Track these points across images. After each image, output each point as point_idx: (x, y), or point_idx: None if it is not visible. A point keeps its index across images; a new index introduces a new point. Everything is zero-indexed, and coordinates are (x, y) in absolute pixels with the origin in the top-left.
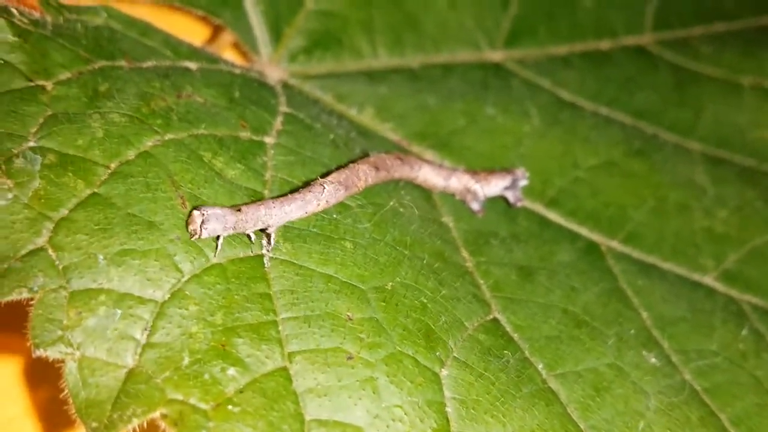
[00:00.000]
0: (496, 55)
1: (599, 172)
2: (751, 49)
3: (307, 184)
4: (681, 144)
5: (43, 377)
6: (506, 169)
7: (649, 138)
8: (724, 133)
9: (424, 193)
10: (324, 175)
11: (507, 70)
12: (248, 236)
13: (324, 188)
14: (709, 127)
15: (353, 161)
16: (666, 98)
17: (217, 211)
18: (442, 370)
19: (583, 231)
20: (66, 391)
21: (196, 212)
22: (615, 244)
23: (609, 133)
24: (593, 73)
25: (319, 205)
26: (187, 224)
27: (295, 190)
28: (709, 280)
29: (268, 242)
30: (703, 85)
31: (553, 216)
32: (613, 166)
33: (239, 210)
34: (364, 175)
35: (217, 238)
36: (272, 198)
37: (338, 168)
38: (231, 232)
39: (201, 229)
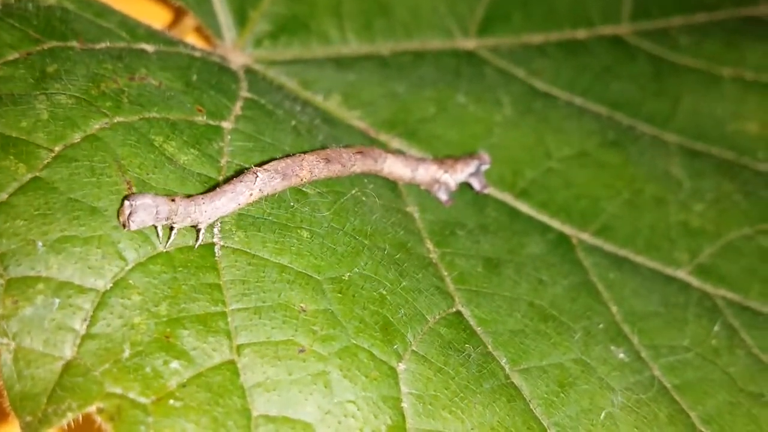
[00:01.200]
0: (469, 43)
1: (572, 163)
2: (732, 40)
3: (239, 173)
4: (658, 136)
5: None
6: (470, 155)
7: (624, 129)
8: (702, 125)
9: (389, 182)
10: (262, 163)
11: (480, 58)
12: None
13: (257, 176)
14: (686, 118)
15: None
16: (643, 89)
17: (148, 201)
18: (400, 364)
19: (555, 223)
20: (0, 383)
21: (126, 202)
22: (586, 237)
23: (583, 124)
24: (569, 63)
25: (252, 195)
26: (117, 214)
27: (228, 179)
28: (683, 274)
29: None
30: (681, 76)
31: (523, 207)
32: (586, 157)
33: (173, 201)
34: (309, 166)
35: (157, 227)
36: (202, 193)
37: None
38: (163, 224)
39: (129, 221)
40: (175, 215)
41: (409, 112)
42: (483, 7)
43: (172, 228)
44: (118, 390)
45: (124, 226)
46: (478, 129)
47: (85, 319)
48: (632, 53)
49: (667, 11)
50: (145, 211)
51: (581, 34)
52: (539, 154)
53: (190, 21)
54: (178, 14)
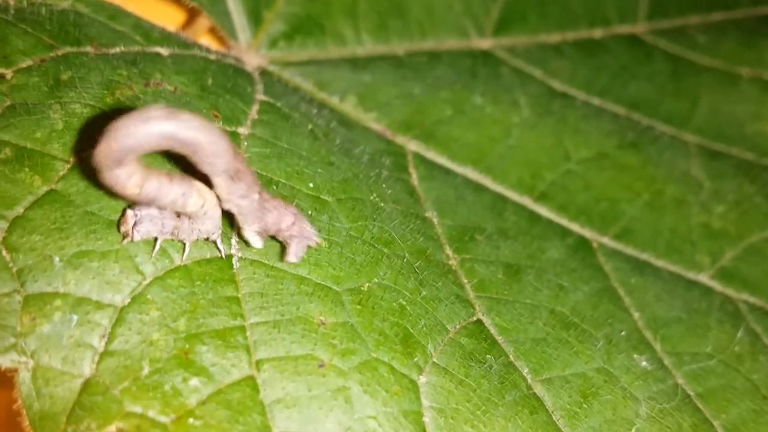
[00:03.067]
0: (485, 43)
1: (591, 165)
2: (750, 39)
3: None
4: (677, 136)
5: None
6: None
7: (643, 130)
8: (722, 125)
9: (407, 186)
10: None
11: (496, 59)
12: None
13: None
14: (705, 118)
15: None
16: (661, 89)
17: (153, 212)
18: (420, 377)
19: (574, 227)
20: (19, 401)
21: (129, 212)
22: (607, 240)
23: (601, 125)
24: (586, 63)
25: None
26: (118, 224)
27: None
28: (704, 278)
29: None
30: (699, 76)
31: (542, 211)
32: (605, 159)
33: (179, 216)
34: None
35: (157, 240)
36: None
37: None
38: (168, 237)
39: (133, 232)
40: (179, 230)
41: (426, 114)
42: (499, 7)
43: (155, 239)
44: (137, 409)
45: (125, 236)
46: (496, 131)
47: (104, 336)
48: (649, 52)
49: (684, 10)
50: (151, 222)
51: (598, 33)
52: (558, 155)
53: (204, 22)
54: (192, 15)
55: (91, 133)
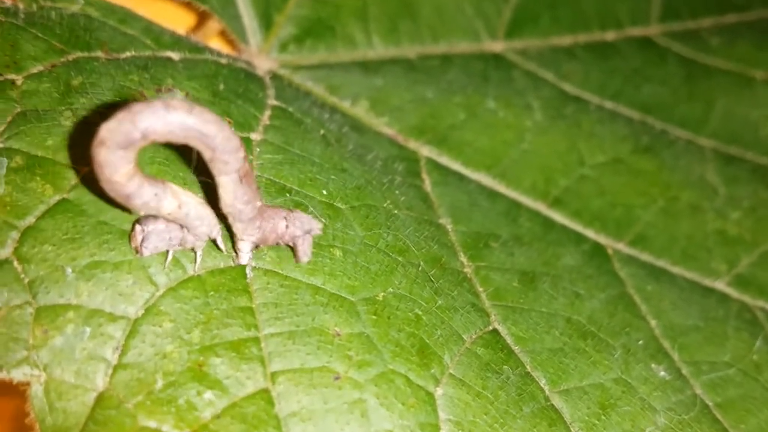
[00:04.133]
0: (497, 46)
1: (605, 170)
2: (763, 42)
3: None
4: (692, 140)
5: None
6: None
7: (657, 134)
8: (736, 129)
9: (421, 192)
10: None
11: (508, 62)
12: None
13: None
14: (720, 122)
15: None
16: (675, 92)
17: (160, 226)
18: (437, 388)
19: (589, 233)
20: (31, 416)
21: (137, 227)
22: (621, 247)
23: (615, 129)
24: (598, 65)
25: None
26: (129, 240)
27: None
28: (721, 285)
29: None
30: (713, 79)
31: (557, 216)
32: (620, 164)
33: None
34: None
35: (168, 253)
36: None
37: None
38: (177, 248)
39: (142, 247)
40: (186, 240)
41: (439, 118)
42: (510, 9)
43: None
44: (152, 424)
45: (136, 251)
46: (509, 135)
47: (117, 348)
48: (663, 55)
49: (697, 12)
50: (158, 236)
51: (610, 35)
52: (572, 160)
53: (214, 25)
54: (202, 18)
55: None
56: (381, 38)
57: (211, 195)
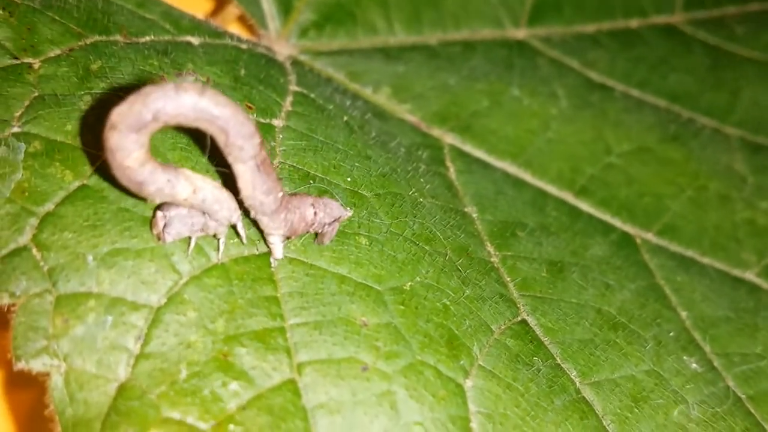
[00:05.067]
0: (520, 33)
1: (633, 159)
2: None
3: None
4: (718, 129)
5: (24, 385)
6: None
7: (684, 122)
8: (763, 117)
9: (445, 180)
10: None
11: (532, 49)
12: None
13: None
14: (746, 111)
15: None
16: (701, 80)
17: (182, 212)
18: (467, 380)
19: (616, 222)
20: (51, 406)
21: (158, 213)
22: (650, 237)
23: (642, 117)
24: (623, 53)
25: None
26: (150, 227)
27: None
28: (751, 275)
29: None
30: (739, 67)
31: (583, 206)
32: (647, 153)
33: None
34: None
35: (191, 239)
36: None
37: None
38: (200, 234)
39: (164, 234)
40: (208, 226)
41: (462, 106)
42: None
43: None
44: (175, 415)
45: (157, 238)
46: (534, 123)
47: (139, 338)
48: (688, 43)
49: (720, 0)
50: (181, 222)
51: (634, 23)
52: (598, 149)
53: (232, 10)
54: (221, 3)
55: None
56: (402, 24)
57: (230, 188)
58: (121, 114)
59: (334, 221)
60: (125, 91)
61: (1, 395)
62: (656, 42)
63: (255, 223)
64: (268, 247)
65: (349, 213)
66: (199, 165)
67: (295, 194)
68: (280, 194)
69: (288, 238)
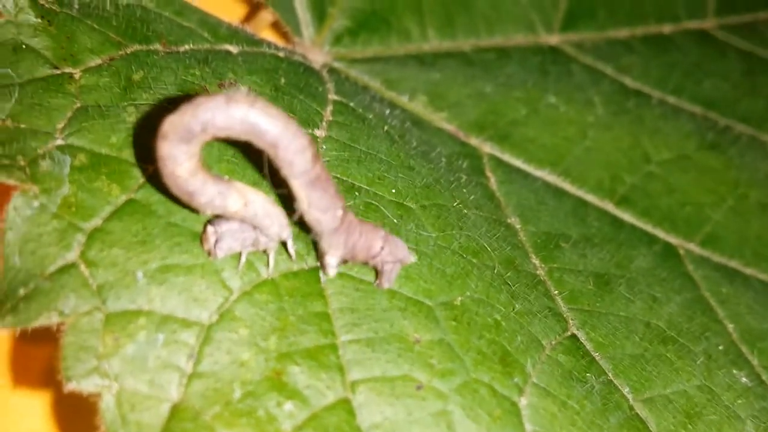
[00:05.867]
0: (553, 39)
1: (672, 168)
2: None
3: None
4: (755, 136)
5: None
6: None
7: (721, 130)
8: None
9: (487, 190)
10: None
11: (565, 55)
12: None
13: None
14: None
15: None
16: (736, 87)
17: (234, 226)
18: (521, 398)
19: (659, 233)
20: (102, 429)
21: (209, 228)
22: (693, 247)
23: (679, 124)
24: (657, 59)
25: None
26: (201, 242)
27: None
28: None
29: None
30: None
31: (625, 216)
32: (687, 161)
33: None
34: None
35: (242, 254)
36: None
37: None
38: (251, 249)
39: (215, 249)
40: (259, 241)
41: (499, 114)
42: (566, 1)
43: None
44: None
45: (208, 254)
46: (572, 131)
47: (191, 356)
48: (721, 49)
49: (753, 5)
50: (232, 237)
51: (667, 28)
52: (637, 157)
53: (266, 17)
54: (254, 9)
55: None
56: (436, 31)
57: (290, 208)
58: (171, 124)
59: (395, 262)
60: (171, 102)
61: (51, 416)
62: (689, 47)
63: (314, 244)
64: (320, 263)
65: (413, 259)
66: (246, 178)
67: (366, 221)
68: (340, 212)
69: (345, 262)
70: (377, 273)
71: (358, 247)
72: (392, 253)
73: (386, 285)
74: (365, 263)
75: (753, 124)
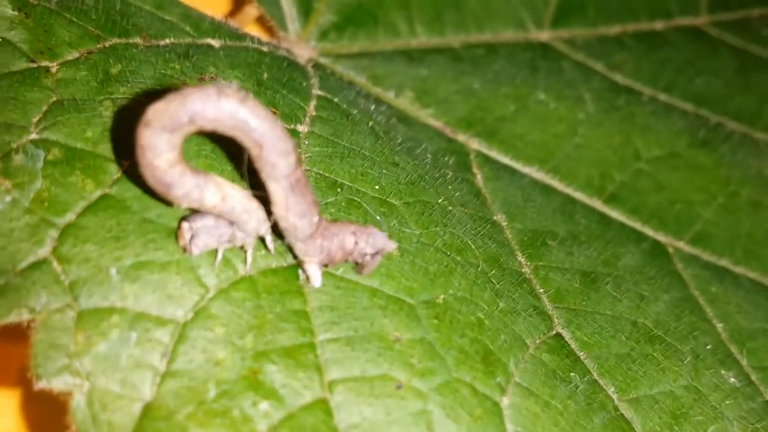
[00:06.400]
0: (543, 35)
1: (663, 165)
2: None
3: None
4: (747, 134)
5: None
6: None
7: (713, 127)
8: None
9: (473, 187)
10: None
11: (556, 51)
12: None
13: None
14: None
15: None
16: (729, 84)
17: (209, 222)
18: (503, 398)
19: (648, 230)
20: (73, 429)
21: (184, 224)
22: (683, 245)
23: (670, 122)
24: (649, 56)
25: None
26: (176, 238)
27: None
28: None
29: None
30: (767, 70)
31: (613, 213)
32: (677, 159)
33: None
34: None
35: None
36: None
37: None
38: (228, 245)
39: (191, 246)
40: (236, 237)
41: (487, 110)
42: None
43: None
44: None
45: (184, 250)
46: (561, 128)
47: (165, 355)
48: (714, 46)
49: (746, 2)
50: (208, 233)
51: (659, 25)
52: (627, 155)
53: (251, 11)
54: (239, 3)
55: None
56: (424, 26)
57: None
58: (156, 111)
59: (376, 253)
60: (148, 97)
61: (20, 414)
62: (681, 44)
63: (290, 249)
64: (304, 275)
65: (393, 246)
66: (224, 174)
67: (336, 221)
68: (316, 218)
69: (326, 266)
70: (357, 264)
71: (333, 249)
72: (370, 243)
73: (366, 273)
74: (346, 261)
75: (745, 121)
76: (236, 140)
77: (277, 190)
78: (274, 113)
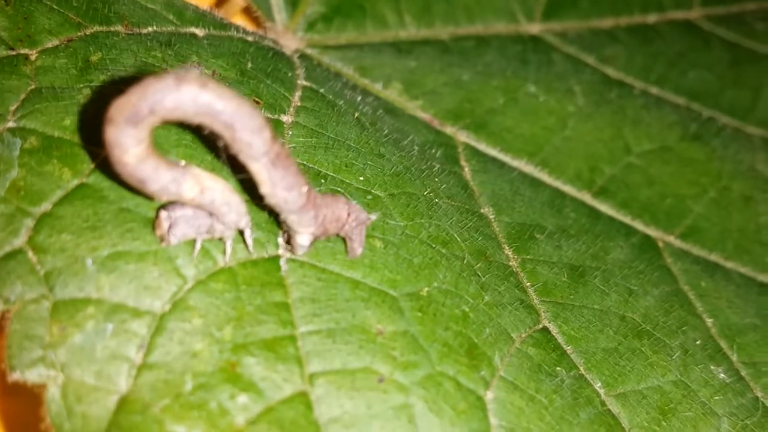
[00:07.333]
0: (534, 28)
1: (653, 159)
2: None
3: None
4: (740, 128)
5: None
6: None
7: (705, 121)
8: None
9: (460, 179)
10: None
11: (547, 44)
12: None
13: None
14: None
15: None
16: (721, 78)
17: (188, 212)
18: (487, 392)
19: (638, 225)
20: (47, 420)
21: (162, 213)
22: (673, 240)
23: (662, 115)
24: (641, 49)
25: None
26: (154, 228)
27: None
28: None
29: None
30: (760, 65)
31: (603, 207)
32: (668, 152)
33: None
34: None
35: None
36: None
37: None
38: (206, 237)
39: (169, 236)
40: (214, 228)
41: (476, 103)
42: None
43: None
44: (181, 429)
45: (161, 240)
46: (551, 121)
47: (141, 347)
48: (707, 39)
49: None
50: (186, 223)
51: (652, 18)
52: (617, 148)
53: (238, 1)
54: None
55: None
56: (413, 18)
57: (253, 192)
58: (117, 106)
59: (359, 225)
60: (127, 84)
61: None
62: (674, 38)
63: (280, 225)
64: (290, 244)
65: (373, 217)
66: (204, 163)
67: (326, 194)
68: (305, 189)
69: (317, 238)
70: (347, 243)
71: (328, 220)
72: (356, 217)
73: (360, 250)
74: (336, 235)
75: (737, 115)
76: (206, 128)
77: (258, 169)
78: (257, 103)
